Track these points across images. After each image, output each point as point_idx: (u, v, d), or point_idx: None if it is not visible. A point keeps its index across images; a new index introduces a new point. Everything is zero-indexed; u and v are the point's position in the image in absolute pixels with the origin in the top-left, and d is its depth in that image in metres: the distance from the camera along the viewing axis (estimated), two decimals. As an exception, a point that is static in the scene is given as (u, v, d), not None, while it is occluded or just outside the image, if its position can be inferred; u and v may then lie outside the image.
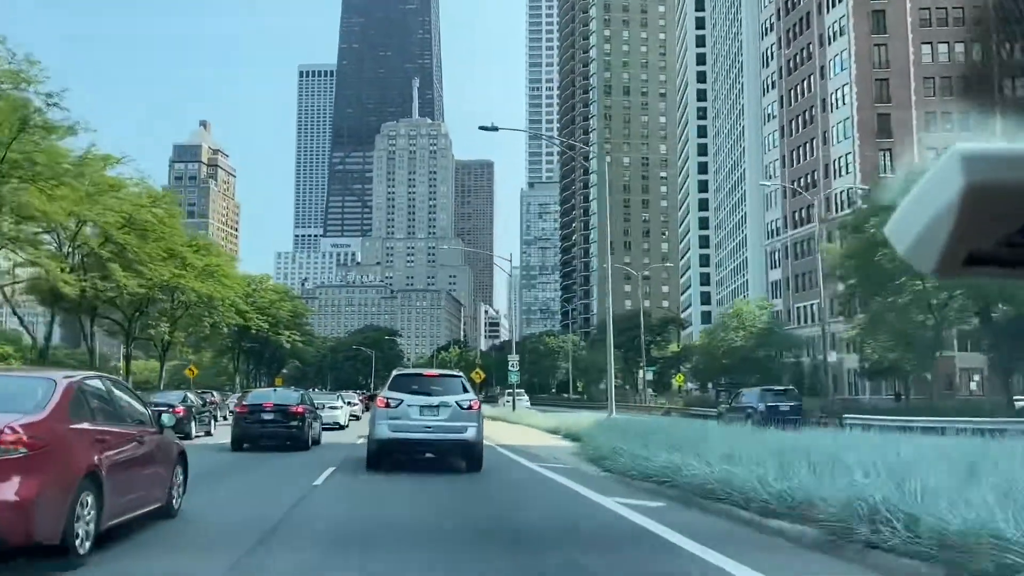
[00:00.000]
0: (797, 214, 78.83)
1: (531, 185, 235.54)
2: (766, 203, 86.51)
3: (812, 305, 76.28)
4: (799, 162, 79.49)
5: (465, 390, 15.54)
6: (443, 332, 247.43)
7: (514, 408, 43.98)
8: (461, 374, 17.48)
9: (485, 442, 16.04)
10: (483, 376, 60.80)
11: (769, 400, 34.48)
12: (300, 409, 21.33)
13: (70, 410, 6.57)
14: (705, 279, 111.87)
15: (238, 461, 18.04)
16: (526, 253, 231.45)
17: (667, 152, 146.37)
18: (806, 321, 77.52)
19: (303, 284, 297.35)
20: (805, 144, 78.25)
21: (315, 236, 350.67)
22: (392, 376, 16.28)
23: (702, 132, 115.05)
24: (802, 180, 78.87)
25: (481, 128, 29.52)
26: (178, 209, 40.88)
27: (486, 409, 24.33)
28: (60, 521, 5.93)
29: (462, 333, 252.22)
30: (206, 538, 8.25)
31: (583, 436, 22.04)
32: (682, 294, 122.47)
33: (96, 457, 6.62)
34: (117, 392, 8.08)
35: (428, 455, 15.24)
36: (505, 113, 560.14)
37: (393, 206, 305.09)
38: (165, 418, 9.43)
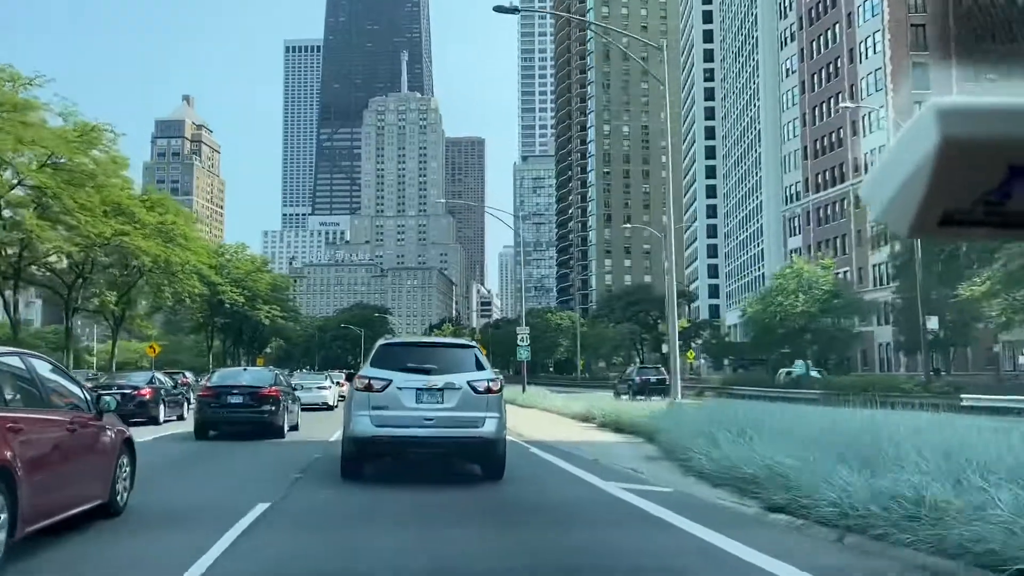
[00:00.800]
0: (820, 176, 72.41)
1: (524, 159, 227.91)
2: (783, 166, 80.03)
3: (841, 274, 70.11)
4: (822, 119, 72.96)
5: (480, 366, 10.67)
6: (435, 311, 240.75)
7: (524, 388, 37.54)
8: (474, 344, 12.40)
9: (512, 437, 12.03)
10: (484, 352, 54.37)
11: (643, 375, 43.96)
12: (272, 391, 18.52)
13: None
14: (712, 251, 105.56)
15: (199, 451, 15.51)
16: (520, 228, 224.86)
17: (667, 120, 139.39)
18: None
19: (291, 263, 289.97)
20: (829, 100, 71.68)
21: (303, 215, 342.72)
22: (376, 347, 11.06)
23: (709, 95, 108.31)
24: (824, 140, 72.45)
25: (496, 9, 22.63)
26: (124, 158, 34.16)
27: None
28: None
29: (454, 312, 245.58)
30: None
31: (654, 430, 15.73)
32: (687, 267, 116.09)
33: (7, 450, 5.56)
34: (42, 372, 6.90)
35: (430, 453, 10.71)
36: (497, 88, 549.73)
37: (382, 183, 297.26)
38: (106, 401, 7.91)
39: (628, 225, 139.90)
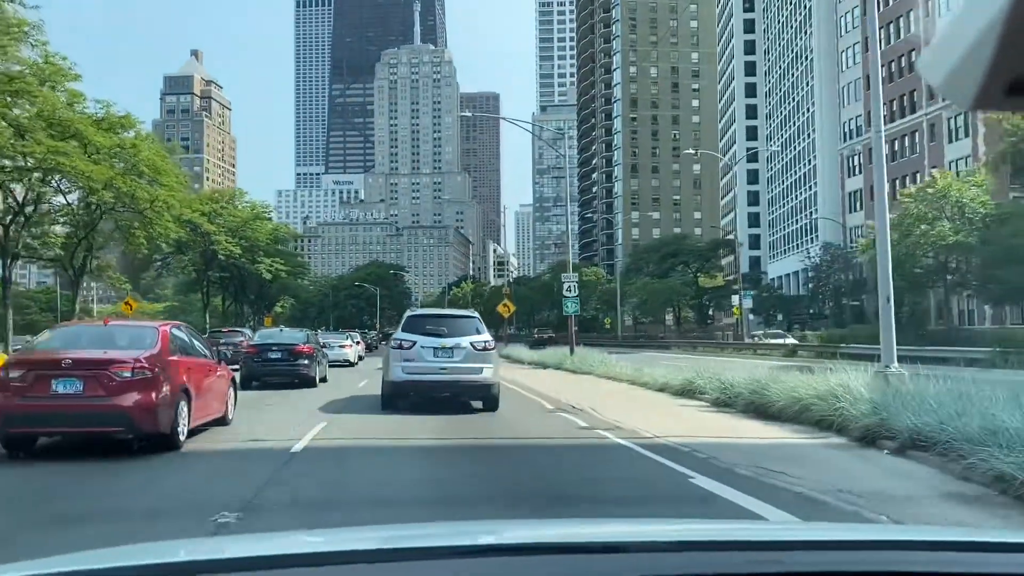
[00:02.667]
0: (888, 107, 63.61)
1: (543, 109, 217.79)
2: (840, 99, 71.22)
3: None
4: (889, 43, 63.95)
5: (479, 331, 15.02)
6: (451, 270, 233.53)
7: (572, 351, 30.02)
8: (475, 314, 16.27)
9: (606, 431, 11.33)
10: (512, 308, 47.16)
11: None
12: (306, 348, 21.52)
13: (169, 348, 9.87)
14: (753, 198, 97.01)
15: (260, 396, 18.16)
16: (539, 184, 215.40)
17: (699, 60, 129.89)
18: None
19: (305, 222, 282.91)
20: (898, 18, 62.71)
21: (317, 175, 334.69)
22: (405, 317, 15.84)
23: (749, 27, 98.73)
24: (893, 65, 63.54)
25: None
26: (64, 64, 26.44)
27: (527, 354, 26.38)
28: (170, 419, 9.30)
29: (471, 271, 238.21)
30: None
31: (874, 423, 8.25)
32: (724, 216, 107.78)
33: (186, 378, 10.02)
34: (192, 335, 11.68)
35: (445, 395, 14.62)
36: (512, 41, 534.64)
37: (396, 140, 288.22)
38: (223, 352, 16.27)
39: (640, 184, 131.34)
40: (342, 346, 33.91)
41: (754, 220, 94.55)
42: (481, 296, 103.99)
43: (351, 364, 32.77)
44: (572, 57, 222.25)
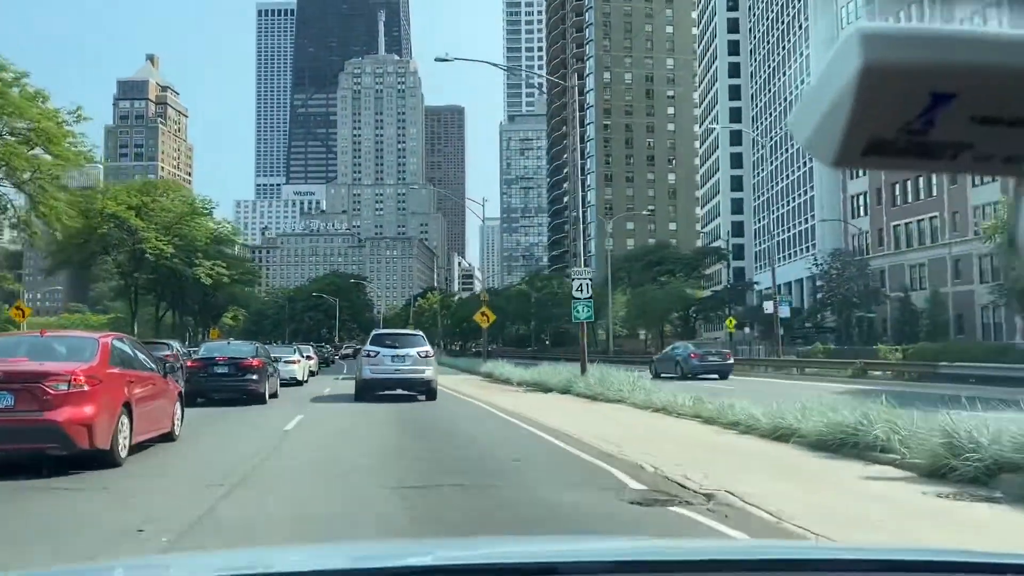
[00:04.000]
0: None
1: (511, 119, 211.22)
2: (840, 97, 65.31)
3: (925, 221, 55.89)
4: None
5: (423, 344, 21.01)
6: (415, 283, 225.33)
7: (584, 370, 22.69)
8: (420, 333, 23.66)
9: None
10: (492, 317, 40.04)
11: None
12: (255, 362, 20.45)
13: (109, 360, 9.47)
14: (737, 206, 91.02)
15: (209, 412, 17.13)
16: (506, 194, 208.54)
17: (675, 67, 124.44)
18: (911, 243, 57.22)
19: (264, 233, 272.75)
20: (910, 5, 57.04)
21: (277, 185, 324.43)
22: (372, 335, 22.84)
23: (733, 26, 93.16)
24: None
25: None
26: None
27: (516, 372, 27.61)
28: (109, 434, 8.86)
29: (435, 284, 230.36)
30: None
31: None
32: (705, 226, 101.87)
33: (127, 392, 9.62)
34: (136, 347, 11.45)
35: (400, 391, 20.21)
36: (479, 47, 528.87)
37: (359, 150, 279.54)
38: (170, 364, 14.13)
39: (612, 193, 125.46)
40: (288, 361, 29.32)
41: (738, 229, 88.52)
42: (449, 308, 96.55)
43: (299, 382, 29.06)
44: (541, 67, 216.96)
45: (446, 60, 30.10)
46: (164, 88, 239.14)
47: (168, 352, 26.20)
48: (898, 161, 0.72)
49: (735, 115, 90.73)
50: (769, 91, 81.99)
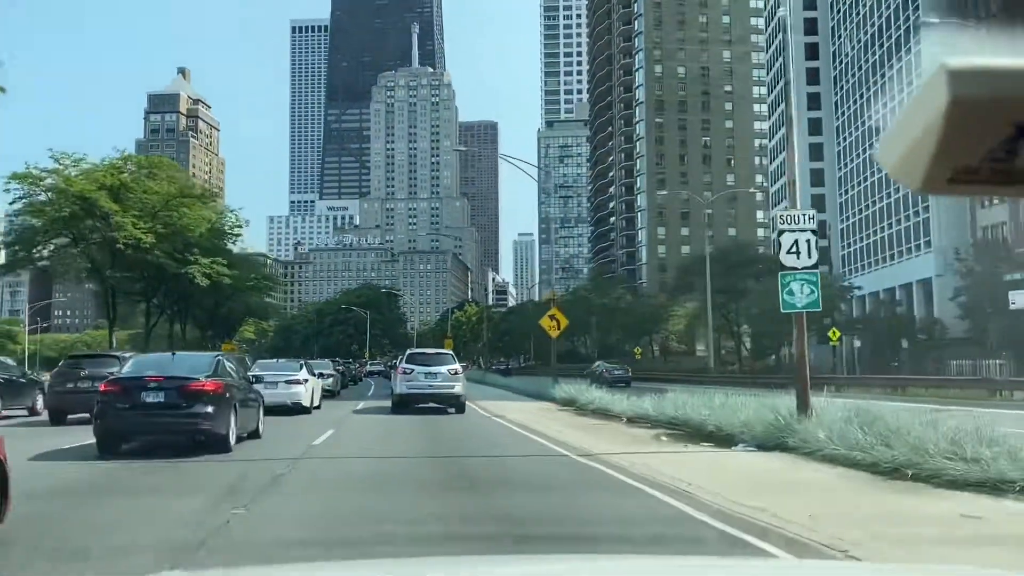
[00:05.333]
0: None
1: (549, 125, 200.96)
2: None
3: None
4: None
5: (452, 362, 22.45)
6: (449, 298, 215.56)
7: (805, 406, 11.88)
8: (450, 352, 25.17)
9: None
10: (564, 322, 29.32)
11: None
12: (211, 385, 12.51)
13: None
14: (818, 202, 79.45)
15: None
16: (544, 204, 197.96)
17: (732, 60, 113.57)
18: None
19: (296, 248, 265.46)
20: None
21: (311, 202, 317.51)
22: (406, 353, 24.04)
23: (811, 28, 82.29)
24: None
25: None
26: None
27: (610, 400, 20.93)
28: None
29: (469, 299, 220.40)
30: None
31: None
32: (775, 230, 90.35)
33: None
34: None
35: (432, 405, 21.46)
36: (515, 58, 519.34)
37: (392, 164, 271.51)
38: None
39: (668, 196, 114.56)
40: (291, 381, 22.00)
41: (819, 231, 76.95)
42: (491, 320, 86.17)
43: (305, 409, 21.58)
44: (579, 73, 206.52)
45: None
46: (196, 101, 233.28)
47: (116, 369, 16.71)
48: (983, 188, 0.74)
49: (813, 100, 79.67)
50: (864, 61, 70.77)
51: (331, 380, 31.62)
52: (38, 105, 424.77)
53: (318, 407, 22.92)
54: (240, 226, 45.91)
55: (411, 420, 19.50)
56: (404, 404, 21.24)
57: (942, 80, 0.67)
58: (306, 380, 22.43)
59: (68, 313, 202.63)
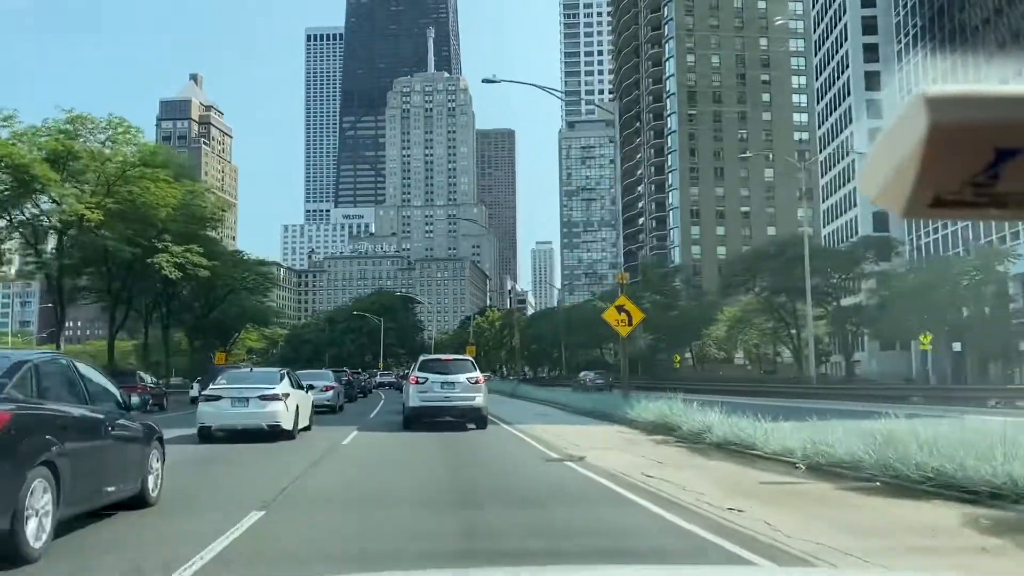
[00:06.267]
0: None
1: (571, 125, 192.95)
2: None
3: None
4: None
5: (472, 369, 19.23)
6: (467, 306, 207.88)
7: None
8: (470, 358, 21.38)
9: None
10: (640, 316, 21.33)
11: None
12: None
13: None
14: (879, 193, 71.09)
15: None
16: (567, 207, 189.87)
17: (769, 47, 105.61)
18: None
19: (310, 256, 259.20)
20: None
21: (326, 211, 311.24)
22: (419, 360, 20.52)
23: (870, 27, 74.29)
24: None
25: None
26: None
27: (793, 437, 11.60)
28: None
29: (488, 306, 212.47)
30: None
31: None
32: (826, 225, 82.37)
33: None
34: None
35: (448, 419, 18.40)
36: (533, 62, 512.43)
37: (408, 171, 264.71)
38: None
39: (702, 194, 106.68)
40: (267, 397, 16.37)
41: (882, 222, 68.67)
42: (520, 324, 78.05)
43: (288, 434, 16.22)
44: (600, 72, 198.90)
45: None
46: (208, 107, 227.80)
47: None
48: (967, 212, 0.74)
49: (871, 81, 71.47)
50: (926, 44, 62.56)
51: (331, 393, 27.15)
52: (47, 110, 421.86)
53: (307, 428, 18.10)
54: (223, 210, 38.41)
55: (427, 455, 12.83)
56: (417, 419, 18.58)
57: (920, 108, 0.68)
58: (286, 395, 16.75)
59: (79, 325, 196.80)
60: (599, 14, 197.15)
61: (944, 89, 0.68)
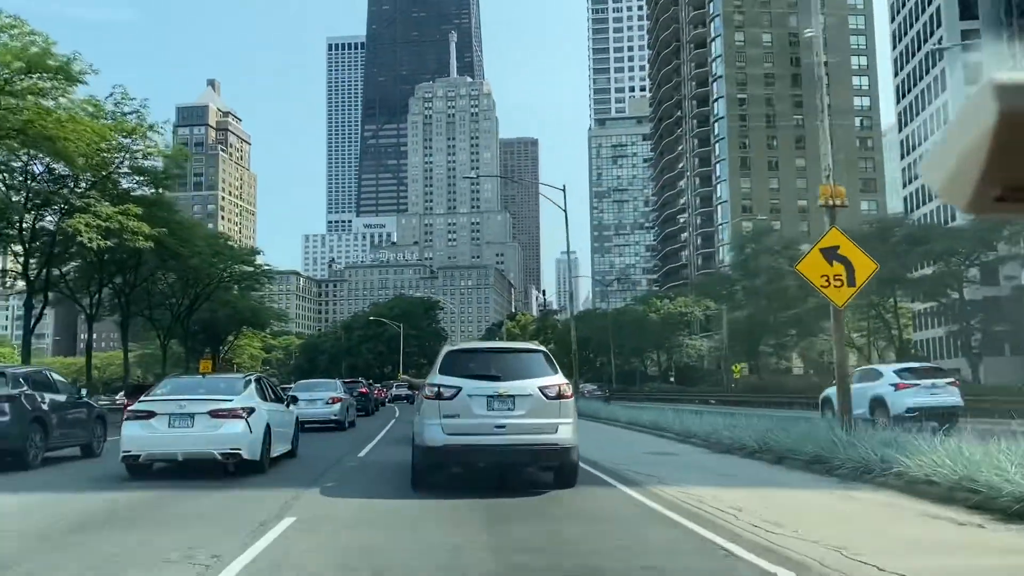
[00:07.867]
0: None
1: (600, 123, 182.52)
2: None
3: None
4: None
5: (549, 370, 9.29)
6: (492, 315, 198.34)
7: None
8: (542, 349, 9.86)
9: None
10: (873, 267, 10.70)
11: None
12: None
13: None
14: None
15: None
16: (596, 209, 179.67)
17: (826, 27, 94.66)
18: None
19: (330, 264, 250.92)
20: None
21: (348, 221, 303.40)
22: (443, 354, 9.75)
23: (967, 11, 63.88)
24: None
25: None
26: None
27: None
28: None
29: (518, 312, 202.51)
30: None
31: None
32: (914, 211, 71.58)
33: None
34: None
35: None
36: (558, 64, 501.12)
37: (431, 178, 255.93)
38: None
39: (755, 194, 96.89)
40: (218, 414, 11.88)
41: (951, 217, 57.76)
42: (554, 328, 67.80)
43: (256, 466, 11.93)
44: (631, 69, 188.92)
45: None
46: (225, 113, 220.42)
47: None
48: None
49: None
50: None
51: (337, 407, 23.02)
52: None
53: (291, 453, 13.49)
54: (184, 159, 28.64)
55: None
56: (437, 468, 9.13)
57: (989, 95, 0.65)
58: (250, 411, 11.66)
59: (100, 336, 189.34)
60: (629, 8, 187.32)
61: (1016, 75, 0.64)
